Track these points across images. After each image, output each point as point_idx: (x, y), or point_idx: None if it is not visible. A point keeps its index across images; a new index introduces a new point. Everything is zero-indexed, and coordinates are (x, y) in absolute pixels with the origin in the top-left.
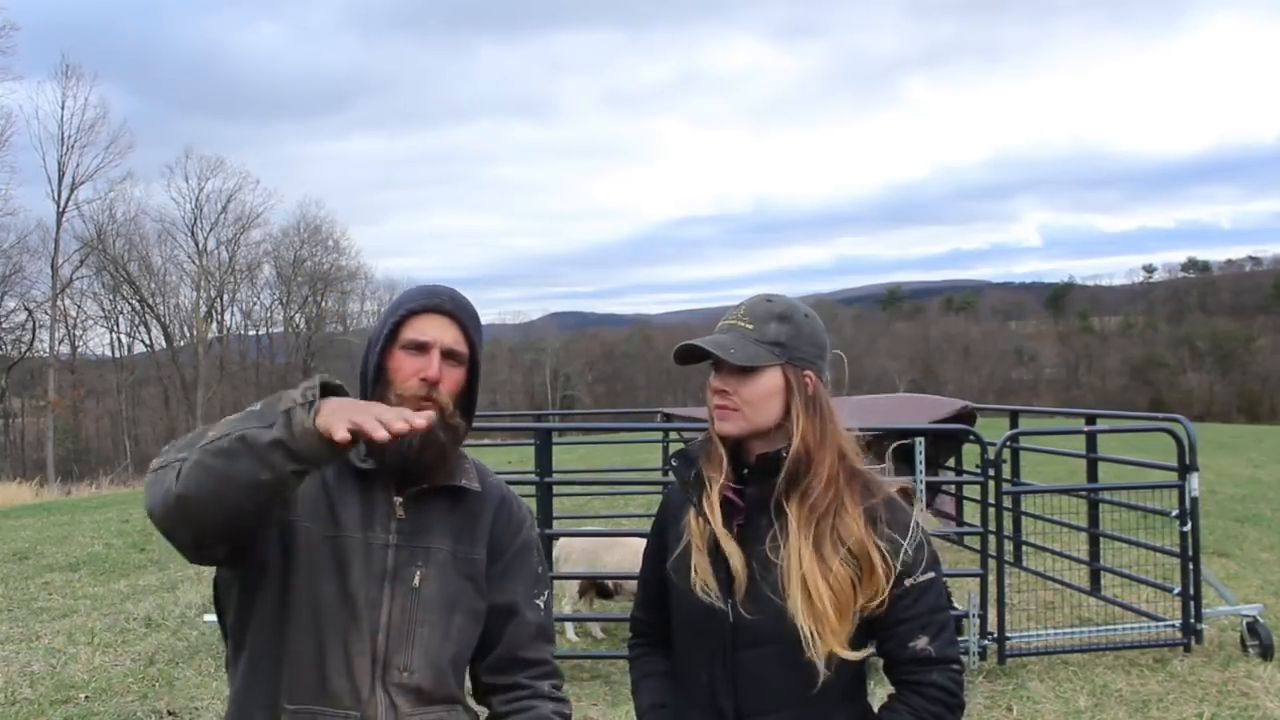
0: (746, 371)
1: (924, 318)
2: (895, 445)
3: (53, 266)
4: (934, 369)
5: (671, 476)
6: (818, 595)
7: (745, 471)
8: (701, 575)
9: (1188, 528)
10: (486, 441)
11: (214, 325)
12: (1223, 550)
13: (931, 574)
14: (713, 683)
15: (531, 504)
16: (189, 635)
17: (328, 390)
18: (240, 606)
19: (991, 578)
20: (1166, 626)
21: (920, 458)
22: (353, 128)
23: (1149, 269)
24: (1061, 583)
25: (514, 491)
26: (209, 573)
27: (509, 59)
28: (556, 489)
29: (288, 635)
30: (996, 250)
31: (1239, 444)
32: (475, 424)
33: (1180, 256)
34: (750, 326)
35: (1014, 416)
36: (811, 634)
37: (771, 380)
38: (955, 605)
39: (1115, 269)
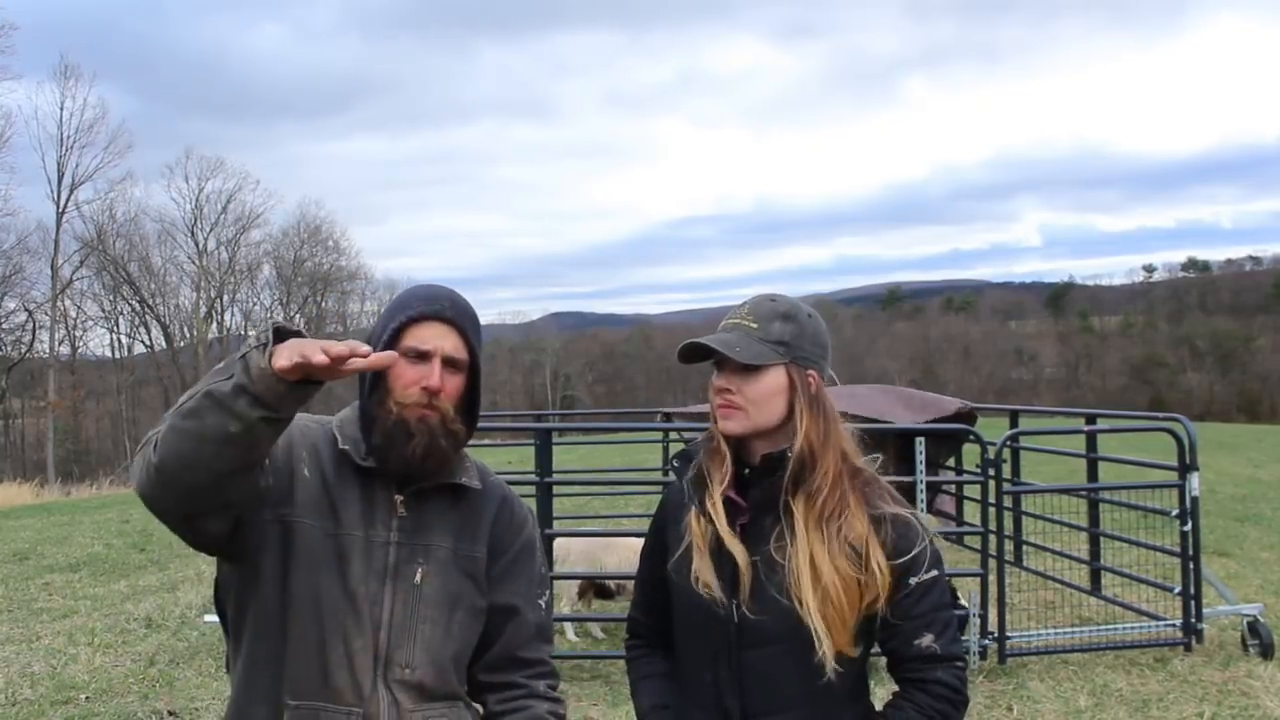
0: (750, 370)
1: (924, 317)
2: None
3: (53, 267)
4: (934, 369)
5: (673, 476)
6: (829, 595)
7: (747, 471)
8: (704, 576)
9: (1188, 527)
10: (487, 442)
11: (214, 326)
12: (1223, 550)
13: (935, 572)
14: (718, 683)
15: (531, 504)
16: (189, 636)
17: (285, 334)
18: (241, 604)
19: (992, 577)
20: (1167, 626)
21: (920, 458)
22: (354, 128)
23: (1149, 269)
24: (1062, 582)
25: (515, 492)
26: (209, 573)
27: (510, 59)
28: (556, 489)
29: (289, 632)
30: (996, 250)
31: (1239, 443)
32: (477, 425)
33: (1180, 256)
34: (754, 325)
35: (1014, 416)
36: (821, 633)
37: (775, 379)
38: (961, 603)
39: (1115, 269)
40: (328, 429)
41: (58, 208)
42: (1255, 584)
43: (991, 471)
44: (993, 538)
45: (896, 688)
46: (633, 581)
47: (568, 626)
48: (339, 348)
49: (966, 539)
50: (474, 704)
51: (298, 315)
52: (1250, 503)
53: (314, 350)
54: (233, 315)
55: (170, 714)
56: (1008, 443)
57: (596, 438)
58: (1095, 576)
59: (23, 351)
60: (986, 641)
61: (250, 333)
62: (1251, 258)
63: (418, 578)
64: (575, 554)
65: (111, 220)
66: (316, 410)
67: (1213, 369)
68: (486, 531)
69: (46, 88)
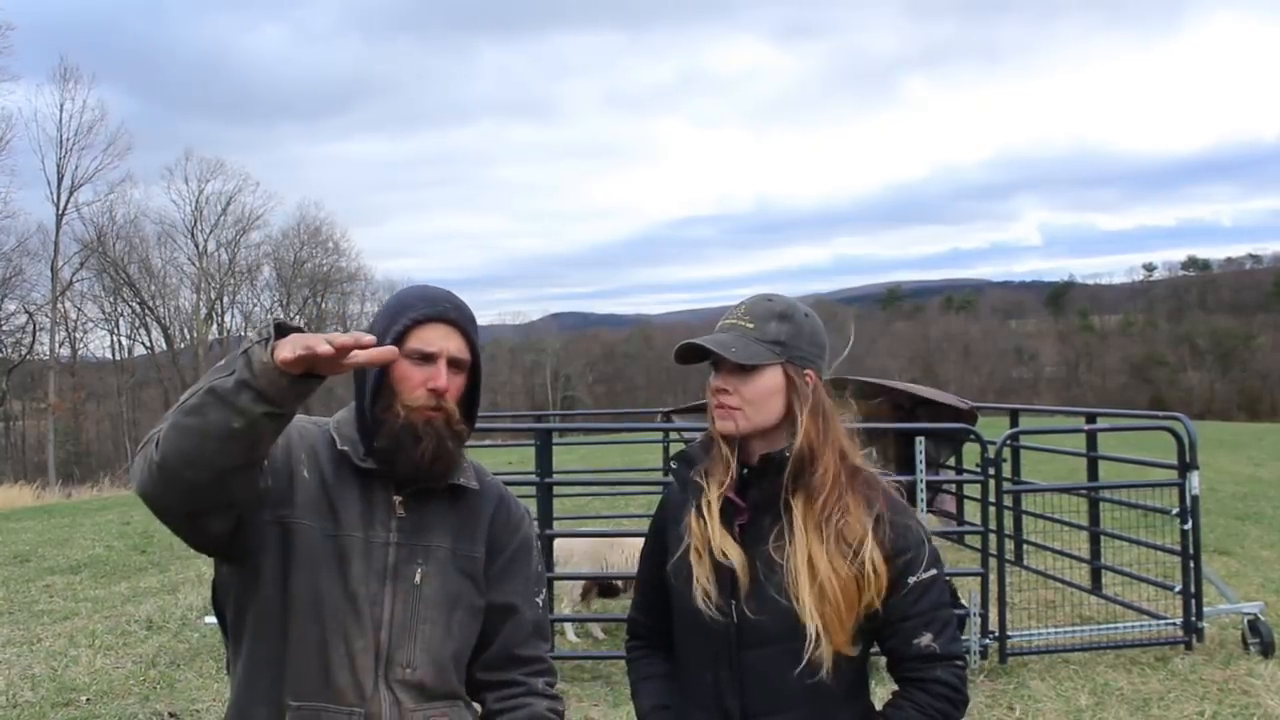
0: (747, 370)
1: (924, 317)
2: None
3: (53, 269)
4: (934, 368)
5: (672, 477)
6: (826, 594)
7: (746, 471)
8: (703, 577)
9: (1188, 526)
10: (488, 442)
11: (214, 327)
12: (1223, 548)
13: (934, 571)
14: (718, 683)
15: (531, 505)
16: (190, 637)
17: (285, 330)
18: (240, 605)
19: (992, 577)
20: (1167, 625)
21: (920, 457)
22: (354, 129)
23: (1149, 267)
24: (1062, 581)
25: (511, 491)
26: (209, 575)
27: (510, 60)
28: (557, 489)
29: (290, 633)
30: (996, 249)
31: (1239, 442)
32: (476, 425)
33: (1180, 255)
34: (751, 325)
35: (1014, 415)
36: (819, 632)
37: (772, 379)
38: (962, 603)
39: (1115, 268)
40: (325, 430)
41: (57, 210)
42: (1256, 582)
43: (992, 470)
44: (993, 537)
45: (896, 687)
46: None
47: (568, 627)
48: (343, 338)
49: (967, 538)
50: (473, 703)
51: (298, 316)
52: (1251, 501)
53: (318, 341)
54: (233, 317)
55: (171, 715)
56: (1008, 442)
57: (597, 438)
58: (1096, 575)
59: (23, 353)
60: (987, 641)
61: (251, 331)
62: (1251, 256)
63: (417, 578)
64: (579, 554)
65: (111, 222)
66: (316, 411)
67: (1213, 367)
68: (484, 531)
69: (46, 90)
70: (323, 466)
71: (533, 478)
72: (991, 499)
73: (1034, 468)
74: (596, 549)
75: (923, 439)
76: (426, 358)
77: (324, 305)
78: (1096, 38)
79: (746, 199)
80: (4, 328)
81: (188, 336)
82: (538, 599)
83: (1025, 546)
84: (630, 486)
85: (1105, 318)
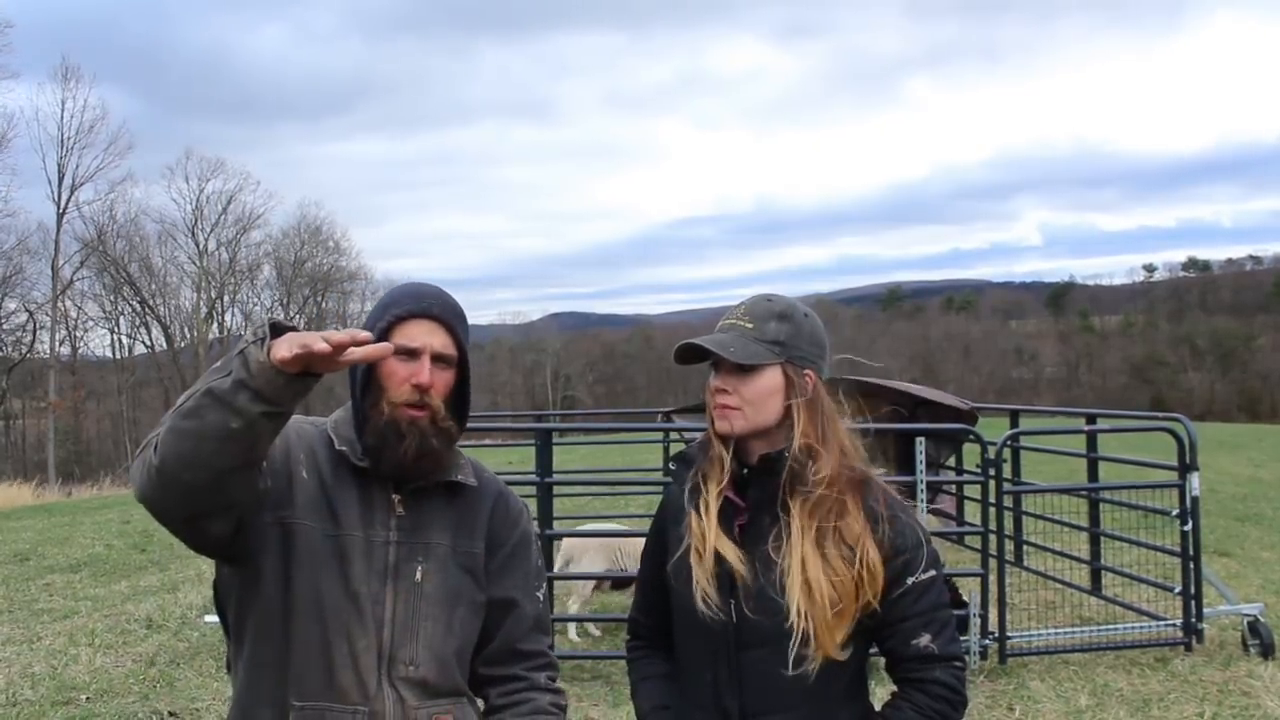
0: (746, 370)
1: (924, 317)
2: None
3: (53, 268)
4: (934, 368)
5: (671, 477)
6: (819, 594)
7: (746, 472)
8: (703, 577)
9: (1188, 527)
10: (488, 442)
11: (214, 326)
12: (1223, 549)
13: (933, 572)
14: (717, 683)
15: (532, 505)
16: (190, 636)
17: (280, 330)
18: (242, 607)
19: (992, 577)
20: (1167, 626)
21: (921, 457)
22: (355, 129)
23: (1149, 268)
24: (1062, 582)
25: (509, 487)
26: (210, 574)
27: (511, 60)
28: (557, 489)
29: (292, 633)
30: (997, 249)
31: (1240, 443)
32: (476, 425)
33: (1181, 255)
34: (750, 325)
35: (1014, 416)
36: (812, 633)
37: (771, 379)
38: (964, 603)
39: (1116, 268)
40: (323, 430)
41: (58, 208)
42: (1256, 584)
43: (992, 471)
44: (993, 537)
45: (895, 688)
46: None
47: (570, 627)
48: (340, 335)
49: (967, 539)
50: (476, 699)
51: (298, 316)
52: (1251, 502)
53: (314, 339)
54: (233, 316)
55: (171, 714)
56: (1008, 442)
57: (597, 438)
58: (1096, 576)
59: (23, 352)
60: (987, 641)
61: (248, 331)
62: (1252, 257)
63: (418, 576)
64: (594, 550)
65: (112, 221)
66: (316, 410)
67: (1213, 368)
68: (484, 527)
69: (47, 89)
70: (321, 467)
71: (533, 477)
72: (991, 500)
73: (1034, 468)
74: (610, 545)
75: (923, 439)
76: (410, 353)
77: (324, 305)
78: (1097, 38)
79: (747, 199)
80: (4, 326)
81: (188, 335)
82: (538, 593)
83: (1025, 547)
84: (630, 486)
85: (1105, 318)
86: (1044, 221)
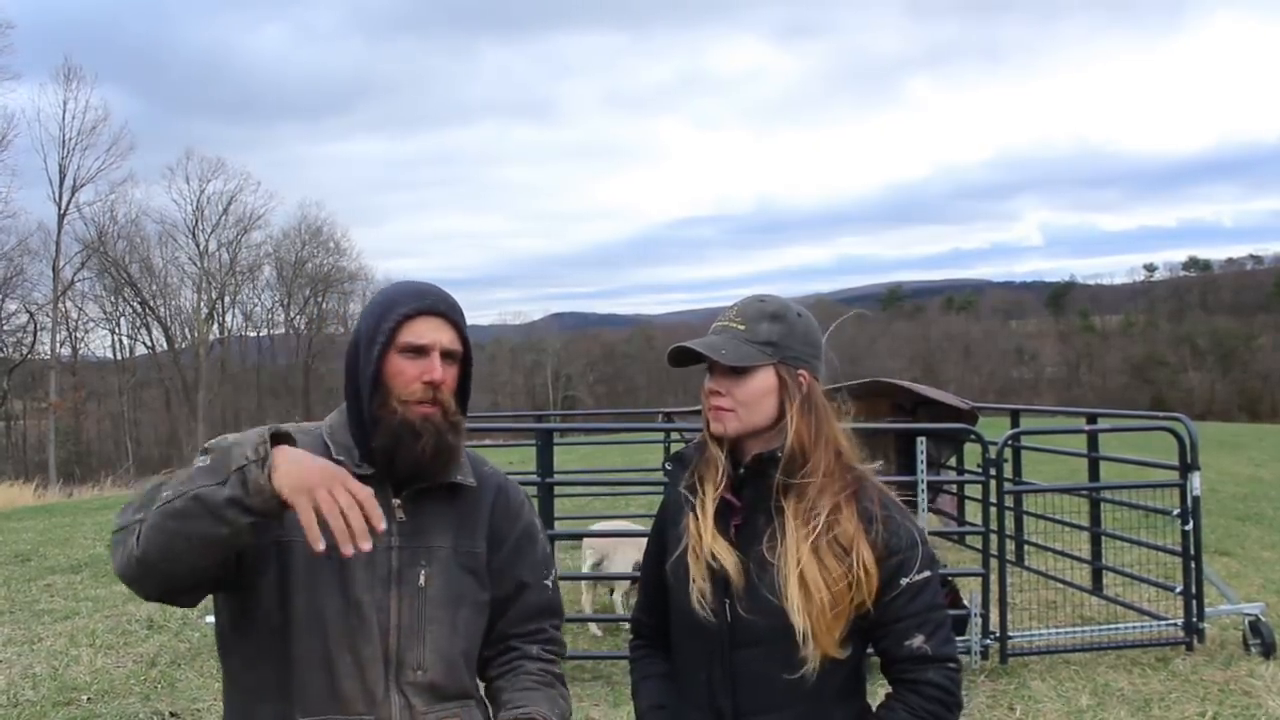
0: (739, 372)
1: (924, 317)
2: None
3: (54, 269)
4: (935, 368)
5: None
6: (813, 594)
7: (742, 472)
8: (698, 577)
9: (1189, 526)
10: (488, 442)
11: (215, 327)
12: (1224, 549)
13: (928, 573)
14: (711, 682)
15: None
16: (191, 637)
17: (278, 438)
18: (238, 623)
19: (993, 577)
20: (1168, 625)
21: (921, 457)
22: (356, 129)
23: (1150, 268)
24: (1063, 582)
25: (509, 478)
26: None
27: (512, 60)
28: (558, 489)
29: (293, 648)
30: (997, 249)
31: (1240, 442)
32: (477, 425)
33: (1181, 255)
34: (742, 327)
35: (1015, 416)
36: (807, 633)
37: (764, 380)
38: (965, 604)
39: (1116, 268)
40: (318, 438)
41: (59, 209)
42: (1257, 583)
43: (993, 471)
44: (994, 537)
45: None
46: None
47: (592, 625)
48: (344, 496)
49: (968, 539)
50: (485, 701)
51: (299, 316)
52: (1252, 502)
53: (324, 495)
54: (233, 316)
55: (172, 715)
56: (1009, 442)
57: (598, 438)
58: (1097, 576)
59: (24, 353)
60: (988, 641)
61: (248, 443)
62: (1253, 256)
63: (421, 580)
64: (626, 544)
65: (113, 222)
66: (317, 410)
67: (1214, 368)
68: (484, 525)
69: (49, 89)
70: None
71: (533, 478)
72: (992, 499)
73: (1035, 468)
74: (640, 541)
75: (923, 439)
76: (419, 350)
77: (324, 305)
78: (1098, 38)
79: (747, 199)
80: (5, 327)
81: (189, 336)
82: (546, 581)
83: (1026, 547)
84: (631, 486)
85: (1106, 318)
86: (1045, 221)
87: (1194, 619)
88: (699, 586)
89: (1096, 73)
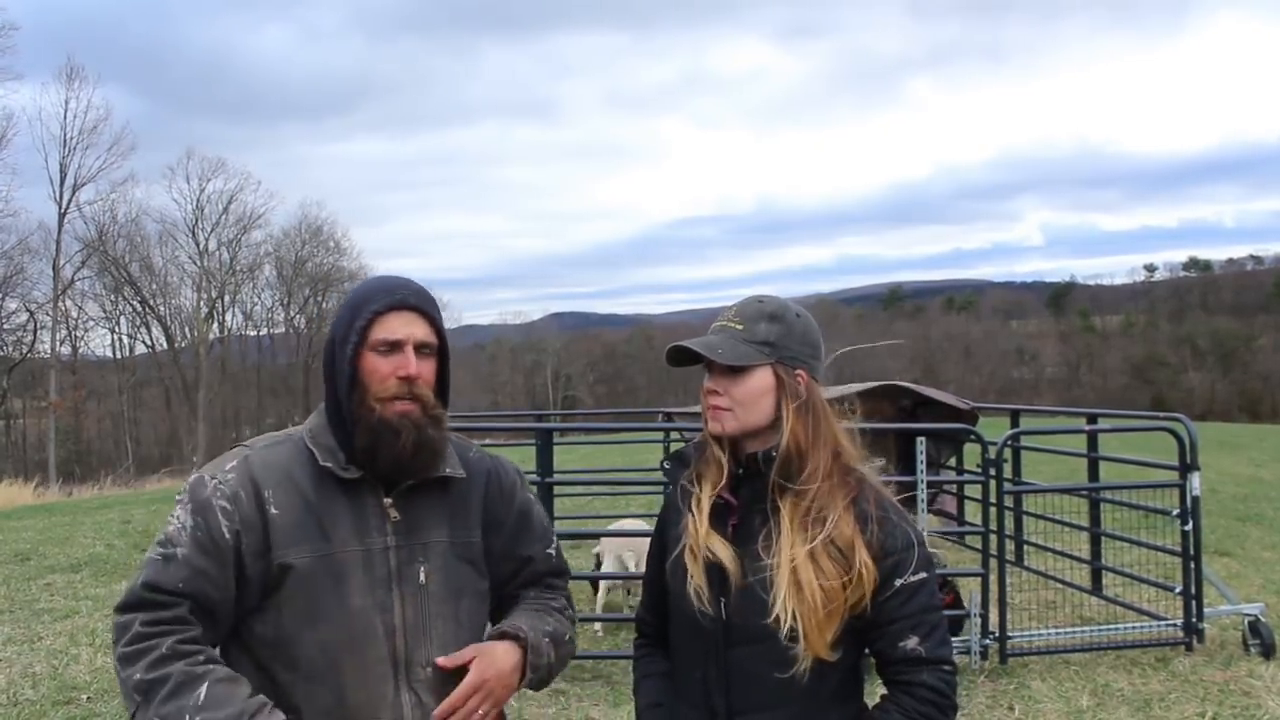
0: (737, 371)
1: (925, 317)
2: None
3: (54, 268)
4: (935, 368)
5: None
6: (807, 594)
7: (740, 471)
8: (695, 576)
9: (1189, 527)
10: (489, 441)
11: (215, 326)
12: (1224, 549)
13: (923, 574)
14: (706, 680)
15: None
16: None
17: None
18: (241, 639)
19: (993, 577)
20: (1168, 626)
21: (921, 457)
22: (357, 129)
23: (1150, 268)
24: (1063, 582)
25: (499, 458)
26: None
27: (513, 60)
28: (557, 489)
29: (297, 659)
30: (998, 249)
31: (1240, 443)
32: (477, 425)
33: (1182, 256)
34: (740, 327)
35: (1015, 416)
36: (799, 633)
37: (762, 379)
38: (964, 605)
39: (1117, 268)
40: (299, 444)
41: (60, 208)
42: (1257, 583)
43: (992, 471)
44: (994, 537)
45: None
46: None
47: (596, 625)
48: None
49: (968, 539)
50: None
51: (298, 316)
52: (1251, 502)
53: None
54: (234, 315)
55: None
56: (1009, 442)
57: (598, 438)
58: (1096, 576)
59: (24, 352)
60: (988, 641)
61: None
62: (1253, 257)
63: (422, 577)
64: (642, 543)
65: (113, 221)
66: (316, 408)
67: (1214, 368)
68: (478, 513)
69: (51, 89)
70: (302, 488)
71: (533, 477)
72: (992, 499)
73: (1035, 468)
74: (632, 541)
75: (923, 439)
76: (393, 346)
77: (324, 304)
78: (1100, 38)
79: (748, 199)
80: (5, 326)
81: (188, 335)
82: (549, 550)
83: (1026, 547)
84: (631, 486)
85: (1106, 318)
86: (1045, 221)
87: (1194, 619)
88: (695, 585)
89: (1098, 73)
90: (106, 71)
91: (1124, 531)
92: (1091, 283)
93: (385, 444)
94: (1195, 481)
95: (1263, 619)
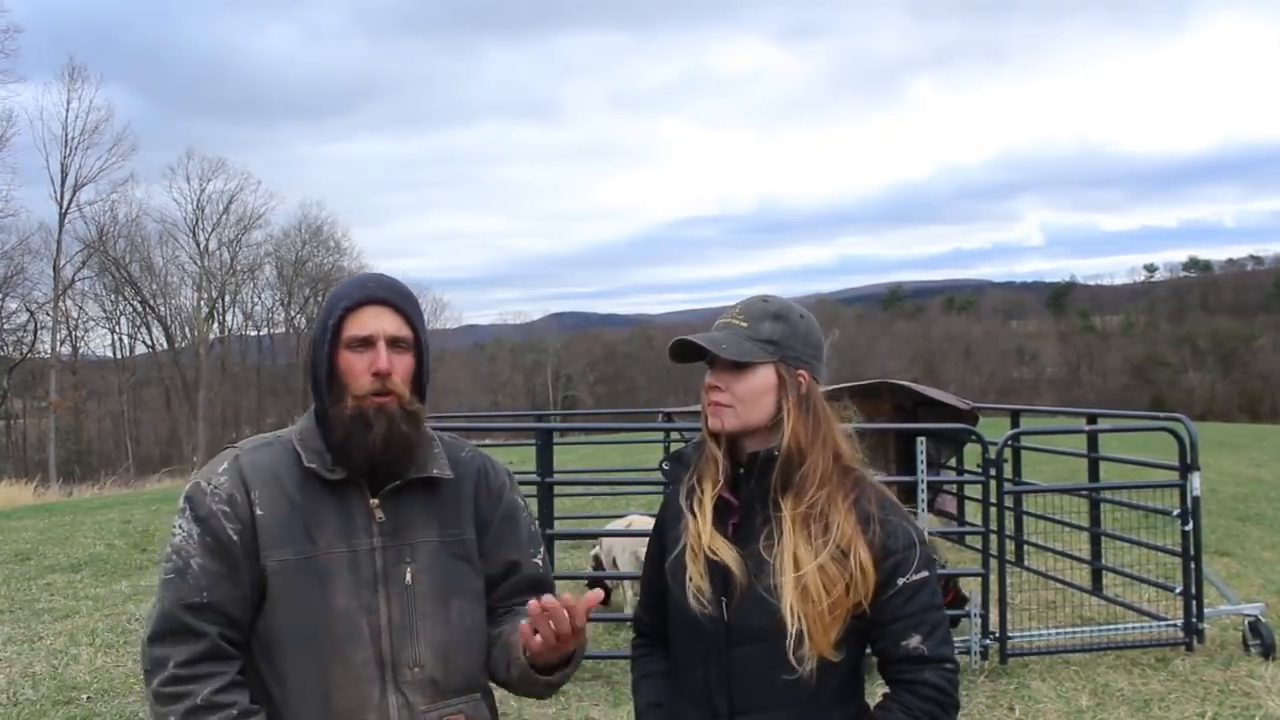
0: (739, 368)
1: (925, 317)
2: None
3: (55, 268)
4: (935, 368)
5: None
6: (809, 594)
7: (740, 471)
8: (696, 575)
9: (1189, 527)
10: (489, 441)
11: (215, 326)
12: (1224, 549)
13: (925, 573)
14: (707, 680)
15: (532, 505)
16: None
17: None
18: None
19: (993, 577)
20: (1168, 626)
21: (922, 457)
22: (358, 129)
23: (1150, 268)
24: (1063, 582)
25: (491, 459)
26: None
27: (515, 60)
28: (557, 489)
29: (284, 663)
30: (998, 250)
31: (1240, 443)
32: (476, 424)
33: (1182, 256)
34: (744, 325)
35: (1015, 416)
36: (802, 632)
37: (764, 377)
38: (965, 600)
39: (1117, 268)
40: (287, 445)
41: (60, 208)
42: (1257, 584)
43: (993, 471)
44: (994, 537)
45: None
46: None
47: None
48: None
49: (968, 539)
50: (492, 693)
51: (299, 315)
52: (1252, 502)
53: None
54: (234, 315)
55: None
56: (1009, 442)
57: (598, 438)
58: (1096, 576)
59: (24, 352)
60: (988, 641)
61: None
62: (1253, 257)
63: (408, 577)
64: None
65: (113, 221)
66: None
67: (1214, 368)
68: (470, 511)
69: (53, 89)
70: (288, 489)
71: (533, 477)
72: (992, 499)
73: (1035, 468)
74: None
75: (924, 439)
76: (365, 342)
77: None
78: (1101, 39)
79: (749, 199)
80: (6, 326)
81: (189, 335)
82: (535, 558)
83: (1026, 547)
84: (631, 486)
85: (1106, 318)
86: (1046, 222)
87: (1194, 619)
88: (696, 585)
89: (1098, 73)
90: (108, 71)
91: (1124, 531)
92: (1091, 283)
93: (356, 437)
94: (1195, 481)
95: (1263, 619)
